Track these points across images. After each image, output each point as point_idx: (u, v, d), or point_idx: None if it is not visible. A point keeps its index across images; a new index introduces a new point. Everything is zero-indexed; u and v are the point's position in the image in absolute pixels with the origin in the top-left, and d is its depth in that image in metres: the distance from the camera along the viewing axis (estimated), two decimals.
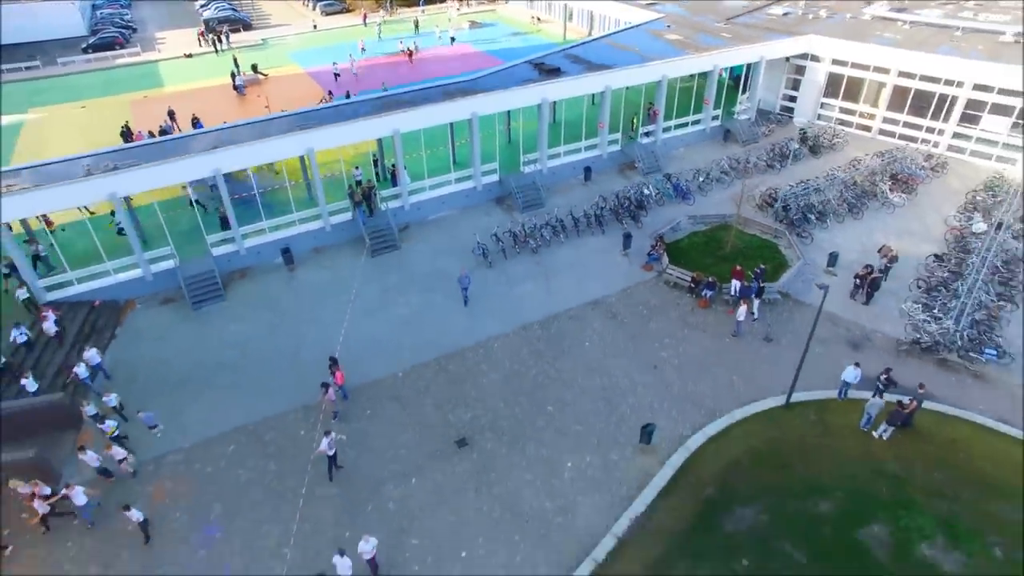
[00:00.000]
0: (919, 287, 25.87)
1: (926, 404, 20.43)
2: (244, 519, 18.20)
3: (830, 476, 18.51)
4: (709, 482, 18.55)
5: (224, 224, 28.06)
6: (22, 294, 23.98)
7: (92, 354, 21.96)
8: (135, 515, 17.22)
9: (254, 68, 48.60)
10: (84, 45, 59.03)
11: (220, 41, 56.60)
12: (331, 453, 18.62)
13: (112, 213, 28.15)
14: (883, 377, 20.53)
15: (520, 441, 20.15)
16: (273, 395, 22.00)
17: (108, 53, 57.17)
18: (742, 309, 23.58)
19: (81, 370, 21.38)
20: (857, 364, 20.80)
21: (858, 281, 25.65)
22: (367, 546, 16.15)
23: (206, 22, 63.03)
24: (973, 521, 17.01)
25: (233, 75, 46.44)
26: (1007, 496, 17.79)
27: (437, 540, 17.48)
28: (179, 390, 22.38)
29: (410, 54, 52.67)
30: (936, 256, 27.47)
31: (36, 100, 46.40)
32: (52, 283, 25.25)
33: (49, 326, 22.83)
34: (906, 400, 19.62)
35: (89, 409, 20.41)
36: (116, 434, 19.94)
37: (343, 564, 15.88)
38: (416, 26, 63.32)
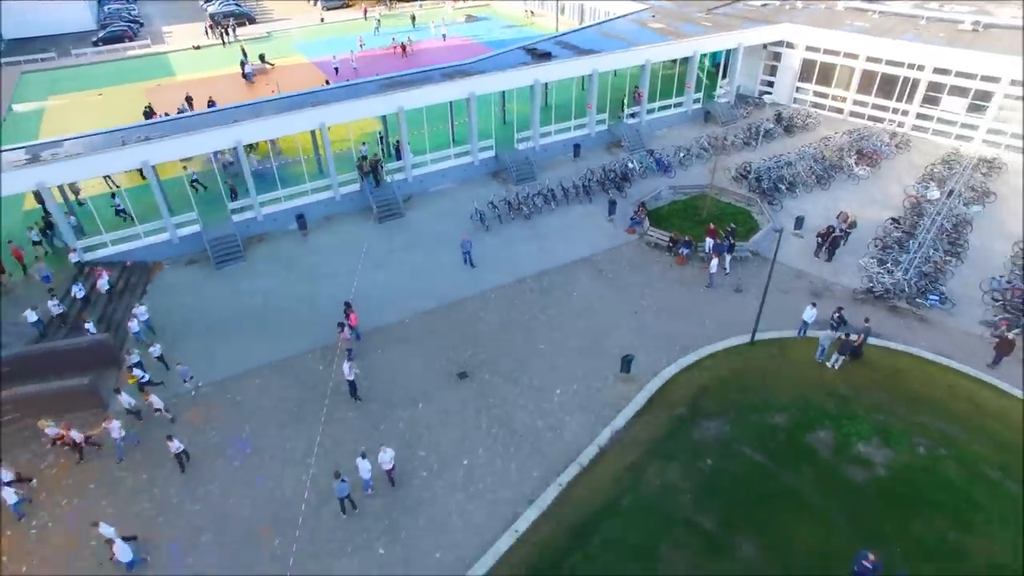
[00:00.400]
0: (876, 246, 28.56)
1: (877, 341, 23.22)
2: (272, 437, 20.73)
3: (786, 396, 21.18)
4: (680, 403, 21.19)
5: (233, 195, 30.57)
6: (75, 257, 26.74)
7: (141, 310, 24.48)
8: (175, 446, 19.48)
9: (261, 58, 51.17)
10: (94, 38, 61.48)
11: (227, 34, 59.09)
12: (351, 378, 21.18)
13: (112, 195, 30.62)
14: (835, 316, 23.21)
15: (515, 374, 22.74)
16: (293, 338, 24.54)
17: (118, 45, 59.61)
18: (714, 262, 26.27)
19: (134, 325, 23.92)
20: (814, 304, 23.49)
21: (820, 240, 28.36)
22: (385, 456, 18.65)
23: (211, 16, 65.49)
24: (904, 428, 19.70)
25: (242, 64, 48.93)
26: (936, 411, 20.46)
27: (442, 452, 20.04)
28: (208, 335, 24.91)
29: (403, 48, 54.95)
30: (893, 219, 30.19)
31: (55, 88, 48.82)
32: (89, 244, 27.75)
33: (103, 283, 25.56)
34: (854, 335, 22.31)
35: (133, 357, 22.76)
36: (146, 379, 22.19)
37: (364, 466, 18.42)
38: (413, 21, 65.76)
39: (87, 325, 23.23)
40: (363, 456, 18.51)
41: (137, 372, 22.15)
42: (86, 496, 19.15)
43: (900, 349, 23.28)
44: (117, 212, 29.87)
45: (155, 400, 21.05)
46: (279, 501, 18.79)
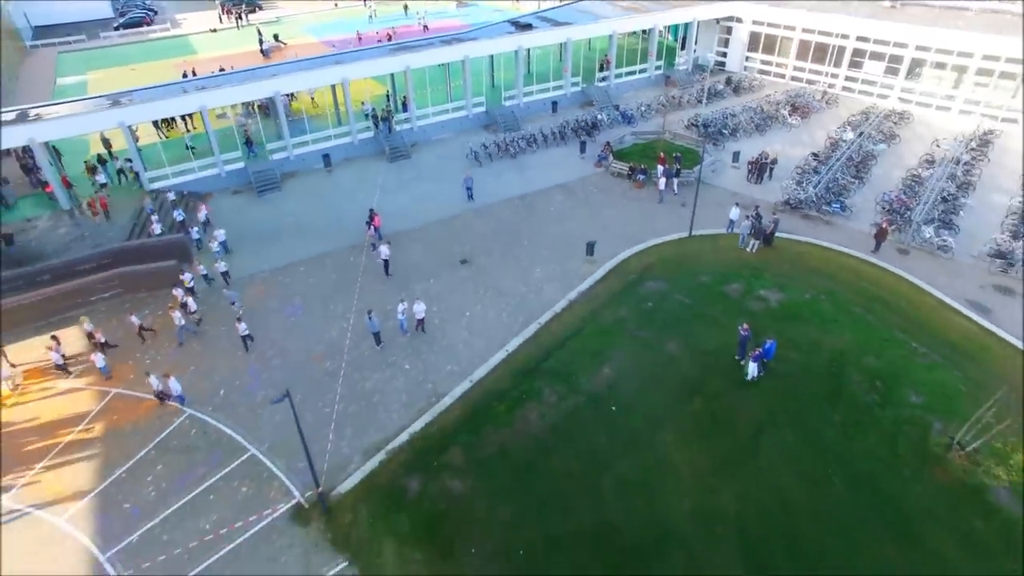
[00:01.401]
0: (798, 172, 35.25)
1: (787, 235, 29.79)
2: (317, 303, 26.94)
3: (712, 267, 27.75)
4: (631, 273, 27.70)
5: (249, 146, 36.53)
6: (171, 195, 32.83)
7: (221, 232, 30.10)
8: (243, 328, 25.05)
9: (275, 37, 57.26)
10: (116, 24, 67.27)
11: (240, 18, 65.14)
12: (386, 256, 27.55)
13: (129, 160, 35.71)
14: (754, 213, 29.83)
15: (504, 259, 29.13)
16: (327, 241, 30.79)
17: (139, 29, 65.49)
18: (662, 181, 32.83)
19: (214, 244, 29.77)
20: (738, 204, 30.10)
21: (750, 167, 35.02)
22: (419, 307, 24.80)
23: (222, 4, 71.43)
24: (798, 283, 26.35)
25: (260, 42, 55.03)
26: (825, 276, 27.10)
27: (450, 308, 26.34)
28: (257, 241, 31.04)
29: (389, 37, 60.71)
30: (814, 154, 36.92)
31: (91, 65, 54.57)
32: (154, 176, 33.84)
33: (202, 215, 31.65)
34: (766, 224, 28.95)
35: (202, 268, 28.57)
36: (191, 283, 27.55)
37: (399, 308, 24.73)
38: (405, 10, 71.86)
39: (193, 230, 30.00)
40: (402, 301, 24.81)
41: (186, 276, 27.40)
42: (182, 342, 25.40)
43: (805, 240, 29.94)
44: (119, 172, 34.82)
45: (191, 303, 26.04)
46: (327, 340, 25.01)
